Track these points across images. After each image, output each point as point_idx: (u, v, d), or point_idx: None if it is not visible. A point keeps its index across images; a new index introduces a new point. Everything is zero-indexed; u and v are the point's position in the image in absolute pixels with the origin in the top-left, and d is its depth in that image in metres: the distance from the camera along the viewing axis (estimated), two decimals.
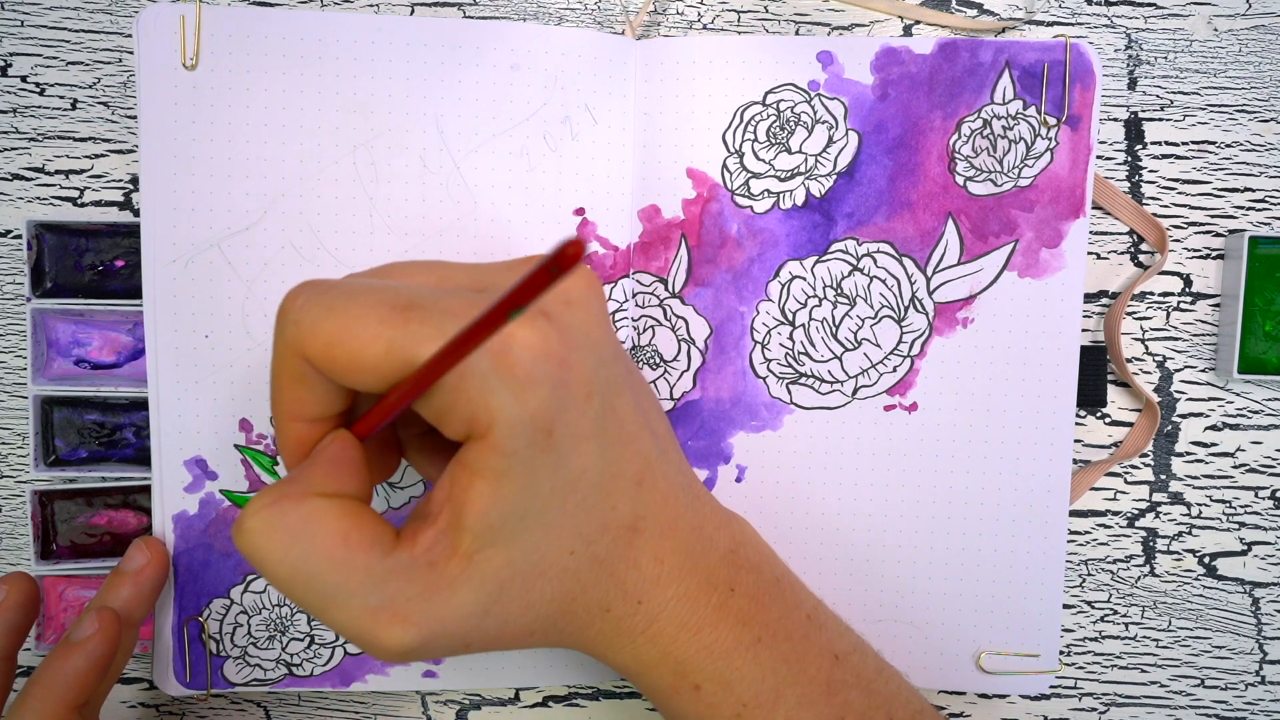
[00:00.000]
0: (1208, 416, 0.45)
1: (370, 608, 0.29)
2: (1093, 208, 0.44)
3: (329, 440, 0.31)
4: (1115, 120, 0.45)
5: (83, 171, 0.44)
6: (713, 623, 0.34)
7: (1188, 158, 0.45)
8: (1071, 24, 0.44)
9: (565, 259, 0.21)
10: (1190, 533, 0.46)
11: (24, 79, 0.44)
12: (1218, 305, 0.45)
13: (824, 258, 0.43)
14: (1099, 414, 0.45)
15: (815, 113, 0.43)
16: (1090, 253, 0.45)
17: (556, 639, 0.33)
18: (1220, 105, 0.44)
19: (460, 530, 0.30)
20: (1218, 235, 0.45)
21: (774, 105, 0.43)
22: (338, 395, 0.31)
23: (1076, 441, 0.45)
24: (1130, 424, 0.45)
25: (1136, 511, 0.46)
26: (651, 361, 0.43)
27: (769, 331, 0.43)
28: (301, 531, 0.28)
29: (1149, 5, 0.44)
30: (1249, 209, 0.45)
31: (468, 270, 0.33)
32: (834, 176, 0.43)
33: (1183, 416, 0.46)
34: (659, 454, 0.34)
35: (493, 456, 0.29)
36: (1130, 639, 0.46)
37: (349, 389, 0.31)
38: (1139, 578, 0.46)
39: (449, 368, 0.27)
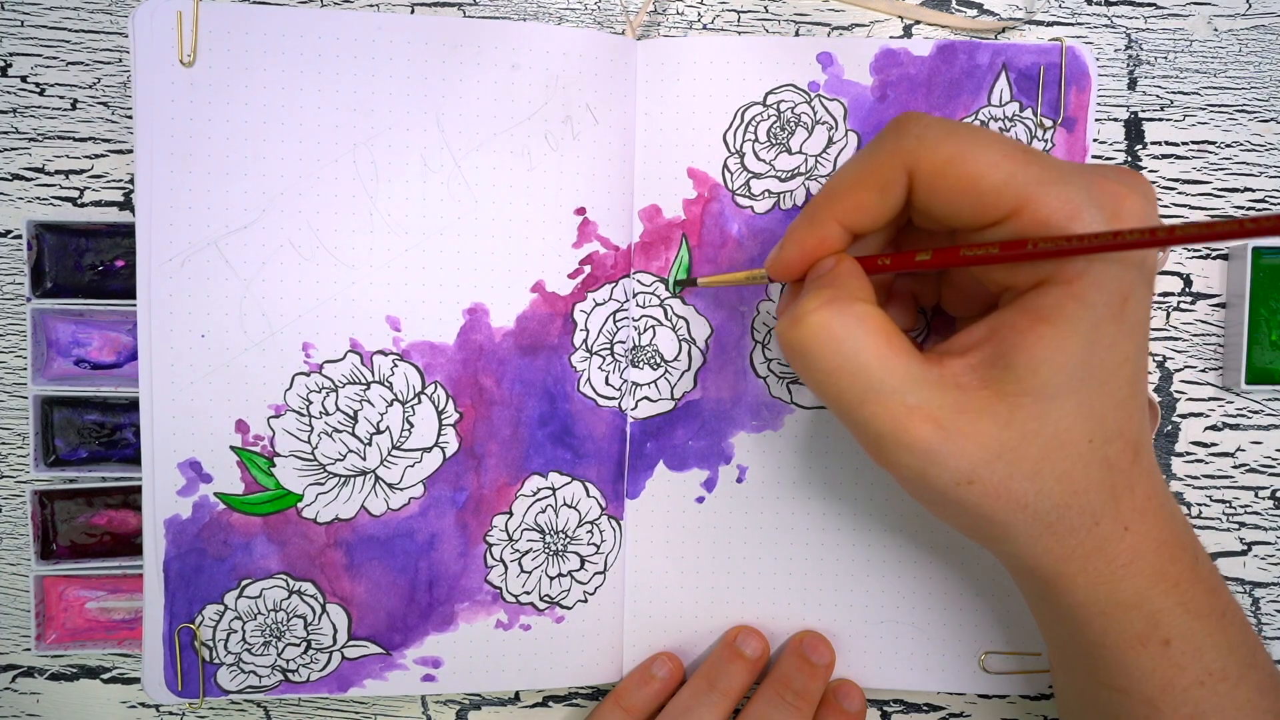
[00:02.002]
0: (1208, 416, 0.45)
1: (907, 405, 0.31)
2: None
3: (841, 260, 0.33)
4: (1115, 120, 0.45)
5: (83, 171, 0.44)
6: (1189, 580, 0.33)
7: (1188, 158, 0.45)
8: (1071, 24, 0.45)
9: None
10: None
11: (24, 79, 0.44)
12: (1218, 306, 0.45)
13: None
14: None
15: (815, 113, 0.43)
16: None
17: (1037, 533, 0.33)
18: (1220, 105, 0.44)
19: (1003, 368, 0.31)
20: None
21: (774, 106, 0.43)
22: (889, 221, 0.33)
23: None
24: None
25: None
26: (652, 361, 0.43)
27: (769, 331, 0.43)
28: (855, 329, 0.31)
29: (1149, 5, 0.44)
30: (1249, 209, 0.45)
31: None
32: None
33: (1183, 416, 0.45)
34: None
35: (1071, 303, 0.30)
36: None
37: (892, 223, 0.34)
38: None
39: (1076, 252, 0.29)
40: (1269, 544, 0.45)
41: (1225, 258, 0.45)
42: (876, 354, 0.31)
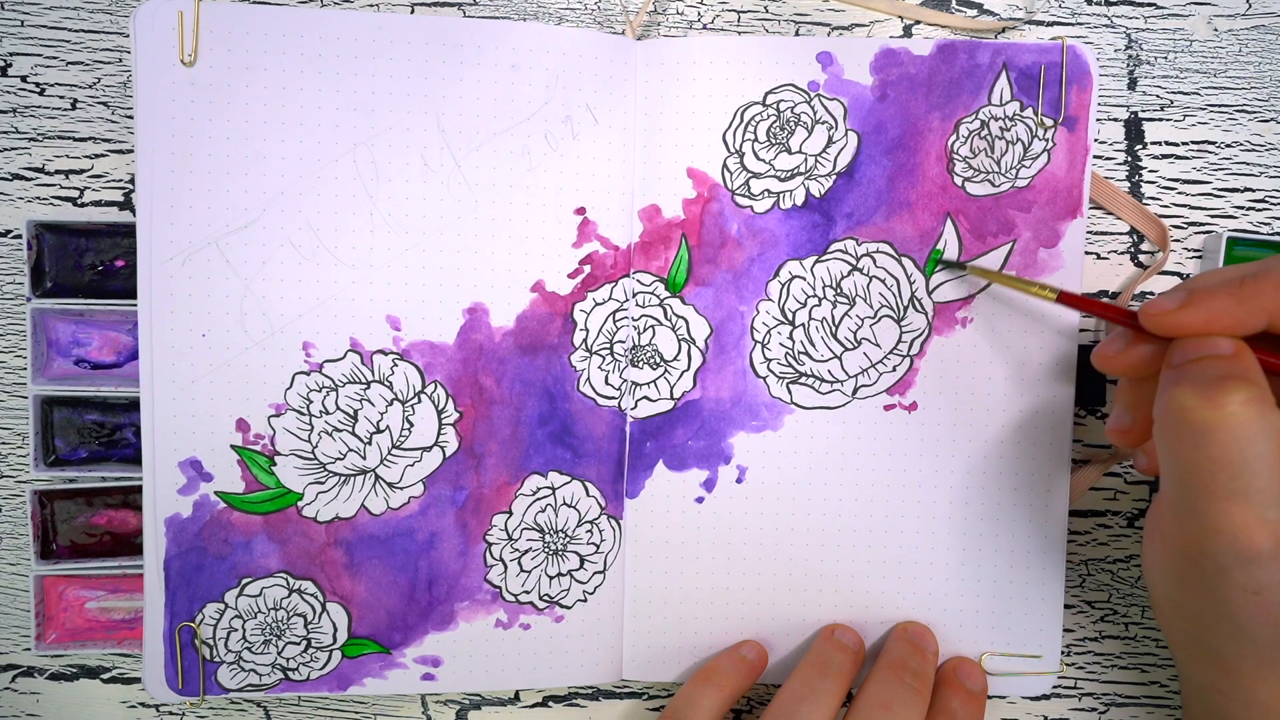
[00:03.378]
0: None
1: (1265, 518, 0.31)
2: (1093, 206, 0.44)
3: (1244, 350, 0.32)
4: (1115, 120, 0.45)
5: (83, 171, 0.44)
6: None
7: (1188, 158, 0.45)
8: (1071, 24, 0.45)
9: None
10: None
11: (24, 79, 0.44)
12: None
13: (824, 257, 0.43)
14: (1099, 414, 0.45)
15: (815, 113, 0.43)
16: (1090, 253, 0.45)
17: None
18: (1220, 105, 0.44)
19: None
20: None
21: (774, 105, 0.43)
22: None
23: (1076, 441, 0.45)
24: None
25: (1136, 511, 0.46)
26: (652, 361, 0.43)
27: (769, 331, 0.43)
28: (1269, 434, 0.31)
29: (1149, 5, 0.44)
30: (1249, 209, 0.45)
31: None
32: (833, 176, 0.43)
33: None
34: None
35: None
36: (1130, 639, 0.46)
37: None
38: (1139, 578, 0.46)
39: None
40: None
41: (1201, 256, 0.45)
42: (1271, 464, 0.31)
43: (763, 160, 0.43)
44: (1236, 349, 0.32)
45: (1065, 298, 0.39)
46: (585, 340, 0.43)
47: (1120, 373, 0.36)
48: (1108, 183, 0.44)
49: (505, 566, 0.43)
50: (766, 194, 0.43)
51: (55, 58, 0.44)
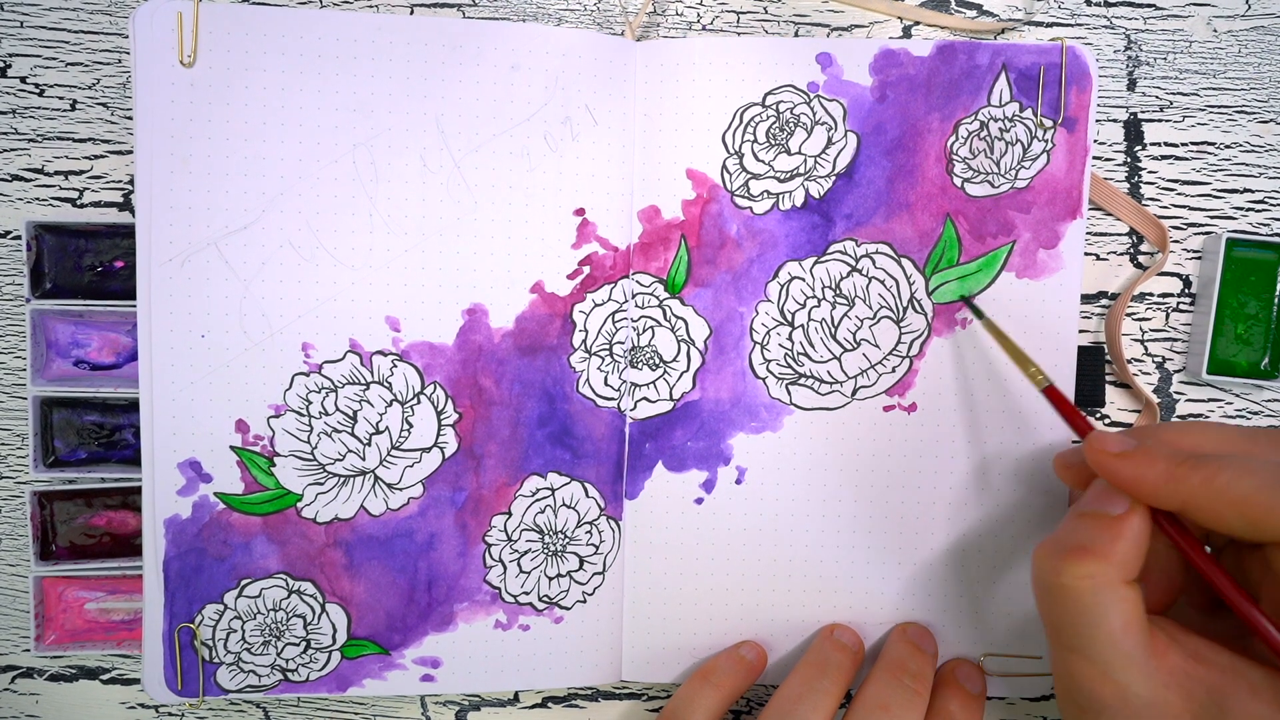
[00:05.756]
0: (1207, 417, 0.45)
1: (1108, 676, 0.33)
2: (1093, 207, 0.44)
3: (1134, 517, 0.34)
4: (1115, 121, 0.45)
5: (82, 172, 0.44)
6: None
7: (1187, 159, 0.45)
8: (1071, 25, 0.45)
9: None
10: None
11: (24, 79, 0.44)
12: None
13: (823, 258, 0.43)
14: (1098, 414, 0.45)
15: (814, 114, 0.43)
16: (1089, 254, 0.45)
17: None
18: (1220, 106, 0.44)
19: (1215, 712, 0.33)
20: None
21: (773, 106, 0.43)
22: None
23: (1075, 442, 0.45)
24: (1130, 424, 0.45)
25: None
26: (651, 362, 0.43)
27: (768, 332, 0.43)
28: (1106, 606, 0.33)
29: (1149, 6, 0.44)
30: (1248, 210, 0.45)
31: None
32: (833, 177, 0.43)
33: (1182, 417, 0.45)
34: None
35: None
36: None
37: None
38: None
39: None
40: None
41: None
42: (1111, 630, 0.33)
43: (762, 161, 0.43)
44: (1126, 512, 0.34)
45: (1051, 392, 0.39)
46: (584, 341, 0.43)
47: (1069, 483, 0.40)
48: (1107, 183, 0.44)
49: (504, 567, 0.43)
50: (766, 195, 0.43)
51: (55, 58, 0.44)
